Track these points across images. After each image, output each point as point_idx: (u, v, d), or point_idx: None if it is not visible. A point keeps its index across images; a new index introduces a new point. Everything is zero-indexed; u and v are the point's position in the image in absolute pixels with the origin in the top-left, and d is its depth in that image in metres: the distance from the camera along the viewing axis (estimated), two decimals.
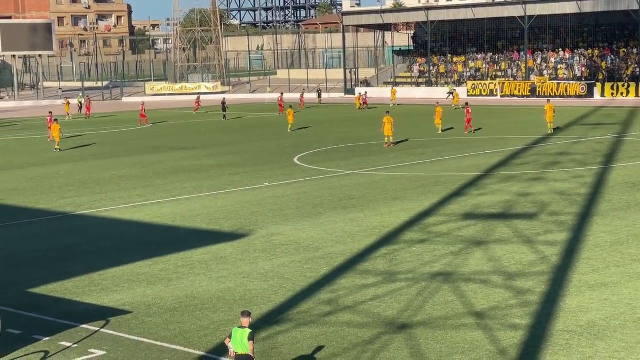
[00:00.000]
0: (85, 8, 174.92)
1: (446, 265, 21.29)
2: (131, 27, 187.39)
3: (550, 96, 76.97)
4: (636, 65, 77.14)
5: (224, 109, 67.73)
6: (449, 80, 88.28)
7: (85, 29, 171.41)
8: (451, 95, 79.38)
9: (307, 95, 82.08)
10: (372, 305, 18.34)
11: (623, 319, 16.99)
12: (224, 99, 71.70)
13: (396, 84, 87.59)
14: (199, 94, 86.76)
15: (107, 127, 64.29)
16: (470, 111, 52.15)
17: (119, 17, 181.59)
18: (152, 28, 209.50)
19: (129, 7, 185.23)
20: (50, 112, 57.62)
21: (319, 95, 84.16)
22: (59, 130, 49.94)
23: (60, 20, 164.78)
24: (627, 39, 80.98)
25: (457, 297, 18.71)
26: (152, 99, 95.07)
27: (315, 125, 60.98)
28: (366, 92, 79.32)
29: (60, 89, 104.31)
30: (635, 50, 78.45)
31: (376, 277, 20.55)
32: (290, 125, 56.26)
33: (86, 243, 25.59)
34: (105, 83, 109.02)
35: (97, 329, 17.48)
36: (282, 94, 76.77)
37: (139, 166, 41.86)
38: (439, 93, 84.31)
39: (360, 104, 74.18)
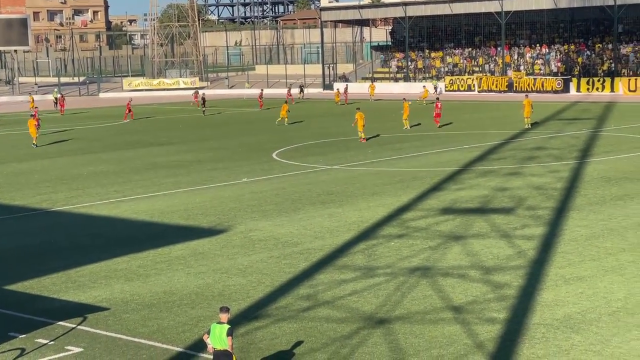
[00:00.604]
0: (61, 3, 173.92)
1: (424, 260, 21.37)
2: (108, 22, 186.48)
3: (527, 91, 77.33)
4: (611, 61, 77.63)
5: (204, 104, 67.40)
6: (426, 75, 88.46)
7: (61, 24, 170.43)
8: (437, 90, 79.81)
9: (313, 90, 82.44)
10: (350, 300, 18.38)
11: (598, 312, 17.13)
12: (204, 94, 71.19)
13: (374, 80, 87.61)
14: (196, 89, 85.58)
15: (84, 123, 63.93)
16: (439, 106, 52.50)
17: (95, 12, 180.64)
18: (129, 23, 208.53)
19: (106, 2, 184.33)
20: (36, 107, 57.61)
21: (301, 91, 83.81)
22: (34, 125, 49.67)
23: (36, 15, 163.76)
24: (603, 35, 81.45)
25: (435, 291, 18.79)
26: (129, 95, 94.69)
27: (293, 120, 60.95)
28: (347, 87, 78.85)
29: (36, 84, 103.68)
30: (610, 46, 78.94)
31: (355, 272, 20.60)
32: (280, 119, 56.68)
33: (63, 239, 25.47)
34: (81, 78, 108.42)
35: (74, 325, 17.41)
36: (262, 90, 76.52)
37: (116, 162, 41.70)
38: (417, 88, 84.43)
39: (341, 100, 74.16)
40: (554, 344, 15.52)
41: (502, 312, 17.30)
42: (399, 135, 48.90)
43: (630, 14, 78.06)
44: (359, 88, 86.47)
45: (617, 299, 17.92)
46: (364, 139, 45.91)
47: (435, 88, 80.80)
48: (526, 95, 56.02)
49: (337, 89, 78.70)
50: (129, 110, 64.94)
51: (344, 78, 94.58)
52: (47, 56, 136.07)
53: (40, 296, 19.71)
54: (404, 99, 55.59)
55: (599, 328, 16.21)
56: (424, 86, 75.77)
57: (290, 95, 77.02)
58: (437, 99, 57.49)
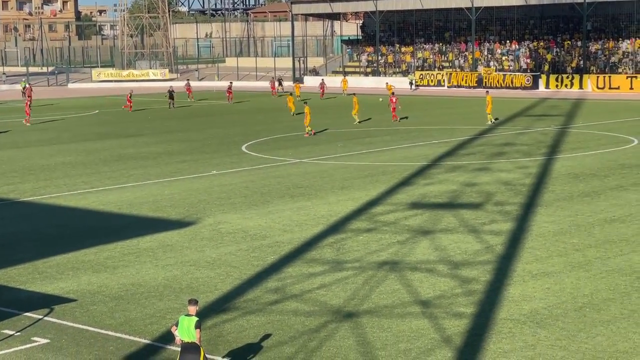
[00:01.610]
0: None
1: (393, 254, 21.43)
2: (77, 12, 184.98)
3: (496, 87, 77.87)
4: (580, 58, 78.22)
5: (171, 97, 66.42)
6: (396, 70, 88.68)
7: (30, 14, 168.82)
8: (413, 86, 79.96)
9: (263, 84, 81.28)
10: (318, 294, 18.40)
11: (565, 307, 17.28)
12: (171, 87, 70.16)
13: (346, 74, 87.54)
14: (231, 83, 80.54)
15: (52, 114, 63.41)
16: (394, 100, 52.98)
17: (64, 2, 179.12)
18: (98, 13, 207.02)
19: None
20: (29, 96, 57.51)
21: (280, 84, 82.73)
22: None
23: (5, 4, 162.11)
24: (572, 32, 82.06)
25: (403, 285, 18.86)
26: (98, 86, 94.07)
27: (263, 113, 60.87)
28: (323, 80, 77.77)
29: (3, 73, 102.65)
30: (579, 43, 79.52)
31: (323, 265, 20.62)
32: (292, 111, 57.18)
33: (30, 230, 25.27)
34: (50, 69, 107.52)
35: (40, 317, 17.29)
36: (231, 82, 76.03)
37: (84, 153, 41.42)
38: (382, 83, 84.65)
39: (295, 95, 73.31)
40: (521, 338, 15.64)
41: (470, 306, 17.40)
42: (371, 129, 48.93)
43: (599, 11, 78.70)
44: (329, 82, 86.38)
45: (583, 294, 18.08)
46: (309, 133, 46.08)
47: (411, 83, 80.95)
48: (487, 91, 56.10)
49: (297, 83, 77.67)
50: (129, 102, 64.50)
51: (315, 72, 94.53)
52: (16, 46, 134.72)
53: (7, 287, 19.55)
54: (354, 94, 55.48)
55: (565, 323, 16.35)
56: (387, 82, 75.73)
57: (274, 88, 77.19)
58: (393, 93, 57.62)
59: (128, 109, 63.30)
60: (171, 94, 66.81)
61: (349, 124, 51.36)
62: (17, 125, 54.41)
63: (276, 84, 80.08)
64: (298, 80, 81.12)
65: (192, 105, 69.39)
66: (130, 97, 64.54)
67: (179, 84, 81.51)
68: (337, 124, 51.77)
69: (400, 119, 52.72)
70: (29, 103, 56.73)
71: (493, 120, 50.31)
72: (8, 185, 32.70)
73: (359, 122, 51.68)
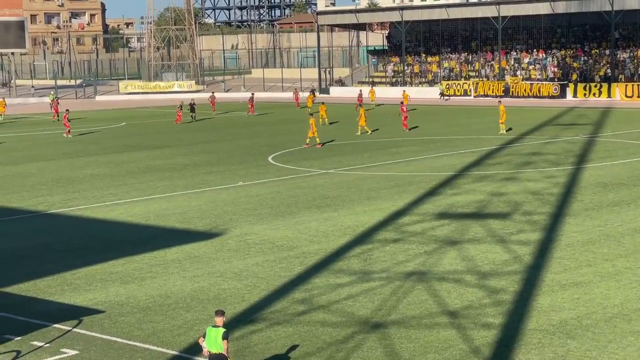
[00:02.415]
0: (59, 6, 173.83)
1: (420, 265, 21.35)
2: (105, 25, 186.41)
3: (523, 96, 77.54)
4: (608, 66, 77.72)
5: (192, 110, 65.03)
6: (423, 80, 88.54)
7: (58, 27, 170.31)
8: (443, 96, 79.44)
9: (288, 95, 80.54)
10: (346, 305, 18.36)
11: (594, 318, 17.12)
12: (192, 99, 69.03)
13: (374, 84, 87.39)
14: (312, 90, 79.91)
15: (80, 126, 63.82)
16: (405, 110, 53.34)
17: (92, 15, 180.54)
18: (125, 26, 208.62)
19: (103, 5, 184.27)
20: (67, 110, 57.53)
21: (313, 94, 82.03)
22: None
23: (33, 17, 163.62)
24: (599, 40, 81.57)
25: (430, 296, 18.78)
26: (125, 98, 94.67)
27: (289, 124, 60.96)
28: (373, 90, 76.47)
29: (32, 87, 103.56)
30: (607, 52, 79.05)
31: (350, 276, 20.57)
32: (323, 120, 57.03)
33: (58, 242, 25.43)
34: (78, 81, 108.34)
35: (69, 328, 17.37)
36: (252, 94, 75.54)
37: (112, 165, 41.66)
38: (413, 92, 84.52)
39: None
40: (550, 349, 15.51)
41: (498, 317, 17.29)
42: (398, 139, 48.85)
43: (627, 19, 78.15)
44: (355, 92, 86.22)
45: (613, 305, 17.91)
46: (317, 143, 45.90)
47: (441, 94, 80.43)
48: (499, 101, 55.48)
49: (312, 92, 76.68)
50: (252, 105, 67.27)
51: (340, 82, 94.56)
52: (44, 59, 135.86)
53: (36, 298, 19.67)
54: (361, 105, 55.28)
55: (595, 334, 16.20)
56: (404, 91, 75.31)
57: (297, 99, 76.58)
58: (402, 102, 57.45)
59: (177, 121, 63.08)
60: (192, 106, 65.48)
61: (376, 134, 51.27)
62: (45, 138, 54.79)
63: (300, 94, 79.62)
64: (313, 91, 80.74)
65: (215, 117, 69.21)
66: (180, 108, 64.59)
67: (203, 96, 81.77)
68: (367, 134, 51.73)
69: (411, 128, 52.65)
70: (56, 116, 57.12)
71: (506, 131, 49.93)
72: (37, 198, 32.94)
73: (362, 133, 51.44)
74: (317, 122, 46.63)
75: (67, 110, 57.27)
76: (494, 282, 19.66)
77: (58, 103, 70.47)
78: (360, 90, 75.76)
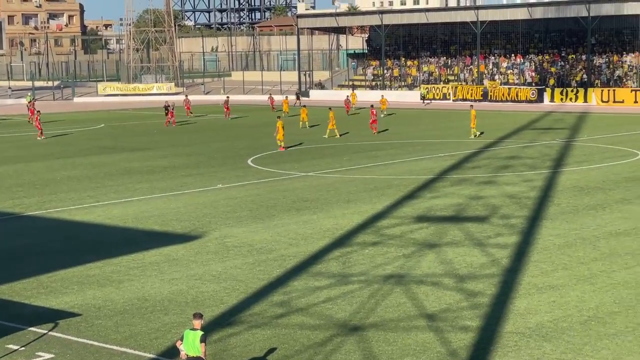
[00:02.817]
0: (36, 6, 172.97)
1: (398, 268, 21.41)
2: (83, 27, 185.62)
3: (501, 101, 77.90)
4: (584, 72, 78.24)
5: (167, 113, 63.34)
6: (402, 83, 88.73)
7: (36, 28, 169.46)
8: (424, 100, 79.56)
9: (277, 97, 79.62)
10: (324, 307, 18.38)
11: (570, 320, 17.24)
12: (167, 102, 66.83)
13: (355, 87, 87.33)
14: (228, 97, 76.12)
15: (58, 128, 63.50)
16: (374, 113, 53.76)
17: (70, 16, 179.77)
18: (104, 28, 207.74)
19: (81, 6, 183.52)
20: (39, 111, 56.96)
21: (298, 97, 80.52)
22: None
23: (11, 18, 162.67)
24: (576, 46, 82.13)
25: (409, 299, 18.84)
26: (103, 100, 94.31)
27: (269, 127, 60.90)
28: (354, 94, 75.83)
29: (9, 88, 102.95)
30: (584, 57, 79.58)
31: (329, 279, 20.60)
32: (304, 123, 57.22)
33: (35, 244, 25.29)
34: (56, 83, 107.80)
35: (45, 331, 17.28)
36: (227, 97, 73.35)
37: (90, 167, 41.48)
38: (392, 96, 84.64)
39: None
40: (526, 352, 15.60)
41: (475, 320, 17.37)
42: (377, 143, 48.95)
43: (603, 25, 78.73)
44: (334, 95, 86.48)
45: (588, 307, 18.04)
46: (283, 147, 45.97)
47: (423, 98, 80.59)
48: (471, 105, 55.50)
49: (286, 97, 75.75)
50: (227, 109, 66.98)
51: (320, 85, 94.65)
52: (22, 60, 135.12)
53: (12, 301, 19.56)
54: (330, 108, 55.44)
55: (570, 337, 16.32)
56: (382, 95, 75.34)
57: (272, 102, 74.50)
58: (372, 105, 57.71)
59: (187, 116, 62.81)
60: (167, 108, 63.83)
61: (356, 137, 51.35)
62: (22, 139, 54.49)
63: (275, 98, 78.58)
64: (298, 94, 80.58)
65: (191, 120, 67.71)
66: (227, 104, 67.14)
67: (180, 99, 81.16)
68: (346, 138, 51.80)
69: (381, 131, 53.08)
70: (35, 118, 56.54)
71: (477, 135, 50.09)
72: (13, 200, 32.75)
73: (329, 137, 51.43)
74: (285, 126, 46.49)
75: (38, 112, 56.74)
76: (472, 285, 19.75)
77: (34, 105, 69.37)
78: (348, 95, 74.93)
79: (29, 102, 79.30)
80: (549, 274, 20.71)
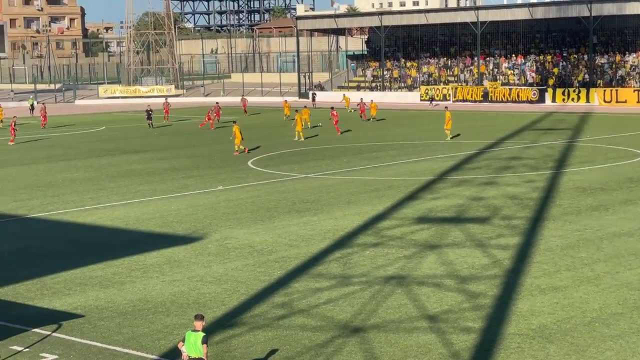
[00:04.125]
0: (38, 10, 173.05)
1: (399, 269, 21.39)
2: (84, 30, 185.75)
3: (502, 101, 77.88)
4: (586, 72, 78.21)
5: (149, 117, 61.99)
6: (402, 84, 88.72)
7: (37, 31, 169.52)
8: (432, 102, 79.08)
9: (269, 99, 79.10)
10: (325, 309, 18.36)
11: (574, 322, 17.21)
12: (149, 105, 65.45)
13: (359, 89, 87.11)
14: (217, 103, 71.25)
15: (60, 130, 63.52)
16: (336, 114, 54.44)
17: (72, 20, 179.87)
18: (105, 31, 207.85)
19: (82, 9, 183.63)
20: (14, 117, 56.43)
21: (314, 99, 79.80)
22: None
23: (13, 22, 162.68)
24: (578, 45, 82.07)
25: (410, 300, 18.81)
26: (104, 102, 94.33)
27: (268, 129, 60.92)
28: (347, 98, 75.17)
29: (12, 91, 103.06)
30: (585, 57, 79.53)
31: (330, 280, 20.58)
32: (305, 123, 55.47)
33: (38, 246, 25.29)
34: (57, 85, 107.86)
35: (48, 333, 17.29)
36: (217, 103, 69.67)
37: (91, 169, 41.49)
38: (392, 97, 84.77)
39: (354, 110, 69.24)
40: (529, 354, 15.57)
41: (478, 321, 17.34)
42: (378, 144, 48.92)
43: (605, 25, 78.65)
44: (334, 97, 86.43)
45: (592, 309, 18.01)
46: (242, 150, 45.38)
47: (431, 99, 79.96)
48: (446, 107, 54.66)
49: (285, 100, 75.25)
50: (209, 118, 61.65)
51: (320, 87, 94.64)
52: (24, 63, 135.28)
53: (15, 303, 19.56)
54: (297, 110, 55.30)
55: (574, 338, 16.29)
56: (344, 94, 75.19)
57: (287, 105, 70.89)
58: (332, 107, 57.83)
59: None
60: (149, 114, 62.31)
61: (356, 138, 51.33)
62: (24, 142, 54.49)
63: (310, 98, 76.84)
64: (313, 95, 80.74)
65: (173, 124, 65.23)
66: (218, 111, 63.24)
67: (182, 100, 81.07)
68: (346, 139, 51.81)
69: (343, 132, 53.74)
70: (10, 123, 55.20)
71: (451, 138, 49.58)
72: (16, 202, 32.75)
73: (304, 139, 51.27)
74: (241, 129, 46.07)
75: (14, 116, 56.24)
76: (474, 287, 19.72)
77: (45, 109, 67.17)
78: (362, 98, 70.22)
79: (31, 105, 79.49)
80: (552, 275, 20.68)
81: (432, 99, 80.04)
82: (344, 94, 77.58)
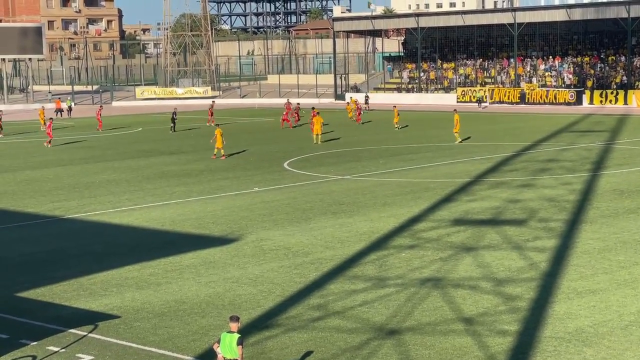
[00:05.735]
0: (76, 12, 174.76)
1: (435, 271, 21.31)
2: (121, 31, 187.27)
3: (539, 103, 77.36)
4: (624, 73, 77.43)
5: (173, 120, 61.85)
6: (438, 86, 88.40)
7: (75, 33, 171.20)
8: (481, 104, 78.30)
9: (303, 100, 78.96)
10: (361, 311, 18.34)
11: (611, 325, 17.04)
12: (175, 108, 65.66)
13: (400, 90, 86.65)
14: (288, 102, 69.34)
15: (97, 131, 63.97)
16: (313, 114, 53.19)
17: (109, 21, 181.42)
18: (142, 32, 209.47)
19: (120, 11, 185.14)
20: (51, 118, 56.52)
21: (366, 102, 78.56)
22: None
23: (51, 23, 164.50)
24: (616, 47, 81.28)
25: (446, 302, 18.74)
26: (141, 103, 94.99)
27: (305, 130, 60.96)
28: (353, 100, 73.95)
29: (49, 92, 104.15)
30: (623, 58, 78.76)
31: (365, 282, 20.56)
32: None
33: (75, 247, 25.52)
34: (95, 87, 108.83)
35: (85, 333, 17.42)
36: (213, 101, 69.30)
37: (128, 170, 41.79)
38: (428, 99, 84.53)
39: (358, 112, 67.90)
40: (566, 357, 15.45)
41: (514, 324, 17.23)
42: (414, 146, 48.79)
43: None
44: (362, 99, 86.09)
45: (630, 312, 17.83)
46: (222, 155, 44.95)
47: (479, 101, 79.09)
48: (454, 110, 53.89)
49: (351, 99, 75.86)
50: (287, 116, 62.92)
51: (355, 88, 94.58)
52: (61, 65, 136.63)
53: (52, 303, 19.75)
54: (313, 107, 54.76)
55: (611, 342, 16.13)
56: (351, 97, 74.38)
57: (288, 111, 66.03)
58: (313, 108, 57.40)
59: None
60: (173, 116, 62.03)
61: (391, 141, 51.23)
62: (61, 143, 54.99)
63: (362, 100, 76.08)
64: (366, 96, 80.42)
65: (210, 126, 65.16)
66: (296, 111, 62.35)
67: (220, 102, 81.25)
68: (382, 141, 51.73)
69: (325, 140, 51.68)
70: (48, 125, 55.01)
71: (460, 141, 49.13)
72: (54, 203, 33.07)
73: (322, 142, 50.59)
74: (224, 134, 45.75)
75: (50, 119, 56.08)
76: (510, 289, 19.60)
77: (100, 112, 66.16)
78: (395, 105, 65.37)
79: (69, 107, 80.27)
80: (589, 278, 20.50)
81: (480, 101, 79.32)
82: (350, 97, 76.62)
